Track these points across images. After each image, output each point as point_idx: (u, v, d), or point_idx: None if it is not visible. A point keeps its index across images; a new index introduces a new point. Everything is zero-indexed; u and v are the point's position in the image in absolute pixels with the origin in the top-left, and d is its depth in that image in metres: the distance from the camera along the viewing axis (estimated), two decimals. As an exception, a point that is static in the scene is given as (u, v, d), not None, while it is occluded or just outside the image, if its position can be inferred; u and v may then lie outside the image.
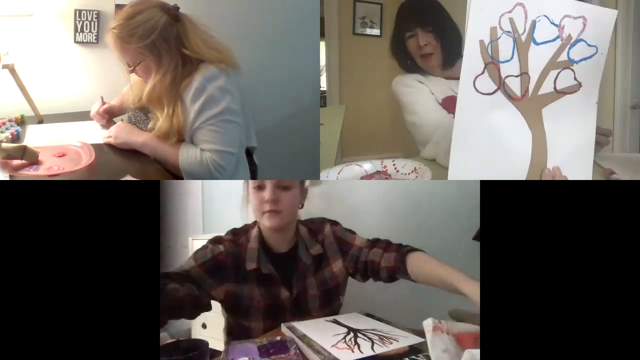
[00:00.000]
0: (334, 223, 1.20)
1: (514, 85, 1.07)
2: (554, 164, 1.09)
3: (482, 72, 1.06)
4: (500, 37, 1.05)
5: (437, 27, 1.45)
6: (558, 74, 1.08)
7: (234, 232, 1.14)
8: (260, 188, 1.07)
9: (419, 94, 1.51)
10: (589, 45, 1.07)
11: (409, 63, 1.53)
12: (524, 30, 1.06)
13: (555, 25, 1.06)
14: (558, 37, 1.07)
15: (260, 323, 1.07)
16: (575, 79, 1.08)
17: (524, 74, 1.07)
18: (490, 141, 1.08)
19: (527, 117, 1.08)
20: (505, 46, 1.06)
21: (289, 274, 1.10)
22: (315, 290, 1.12)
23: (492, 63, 1.06)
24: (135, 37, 1.24)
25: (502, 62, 1.06)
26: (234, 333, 1.11)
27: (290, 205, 1.08)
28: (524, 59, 1.07)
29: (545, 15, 1.06)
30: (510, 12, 1.05)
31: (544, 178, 1.08)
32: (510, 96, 1.07)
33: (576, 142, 1.10)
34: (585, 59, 1.08)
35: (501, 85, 1.06)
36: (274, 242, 1.11)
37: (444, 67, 1.50)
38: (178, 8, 1.31)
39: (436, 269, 0.99)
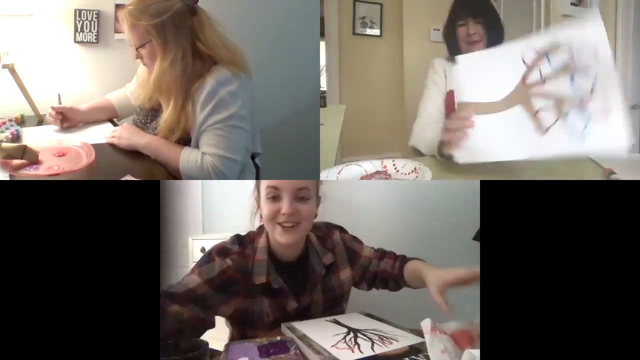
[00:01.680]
0: (342, 230, 1.18)
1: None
2: None
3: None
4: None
5: (486, 20, 1.57)
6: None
7: (240, 242, 1.05)
8: (275, 198, 0.98)
9: (434, 88, 1.61)
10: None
11: (453, 47, 1.64)
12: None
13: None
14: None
15: (265, 331, 1.04)
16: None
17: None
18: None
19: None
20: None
21: (298, 284, 1.06)
22: (320, 296, 1.09)
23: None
24: (147, 14, 1.25)
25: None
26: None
27: (307, 217, 1.00)
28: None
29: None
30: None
31: None
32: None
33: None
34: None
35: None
36: (283, 253, 1.05)
37: None
38: (197, 1, 1.31)
39: (415, 268, 1.03)
